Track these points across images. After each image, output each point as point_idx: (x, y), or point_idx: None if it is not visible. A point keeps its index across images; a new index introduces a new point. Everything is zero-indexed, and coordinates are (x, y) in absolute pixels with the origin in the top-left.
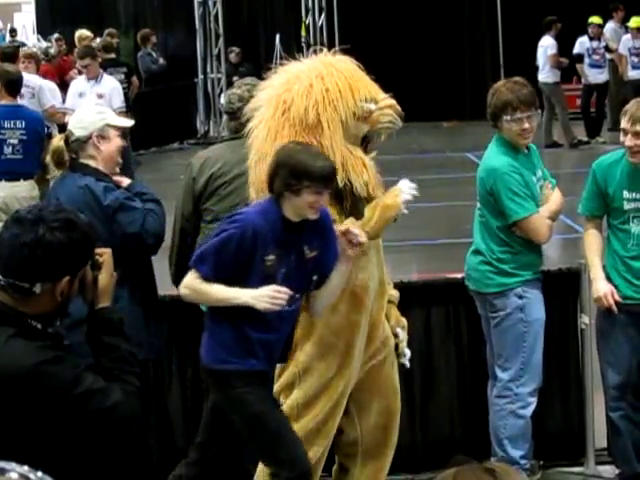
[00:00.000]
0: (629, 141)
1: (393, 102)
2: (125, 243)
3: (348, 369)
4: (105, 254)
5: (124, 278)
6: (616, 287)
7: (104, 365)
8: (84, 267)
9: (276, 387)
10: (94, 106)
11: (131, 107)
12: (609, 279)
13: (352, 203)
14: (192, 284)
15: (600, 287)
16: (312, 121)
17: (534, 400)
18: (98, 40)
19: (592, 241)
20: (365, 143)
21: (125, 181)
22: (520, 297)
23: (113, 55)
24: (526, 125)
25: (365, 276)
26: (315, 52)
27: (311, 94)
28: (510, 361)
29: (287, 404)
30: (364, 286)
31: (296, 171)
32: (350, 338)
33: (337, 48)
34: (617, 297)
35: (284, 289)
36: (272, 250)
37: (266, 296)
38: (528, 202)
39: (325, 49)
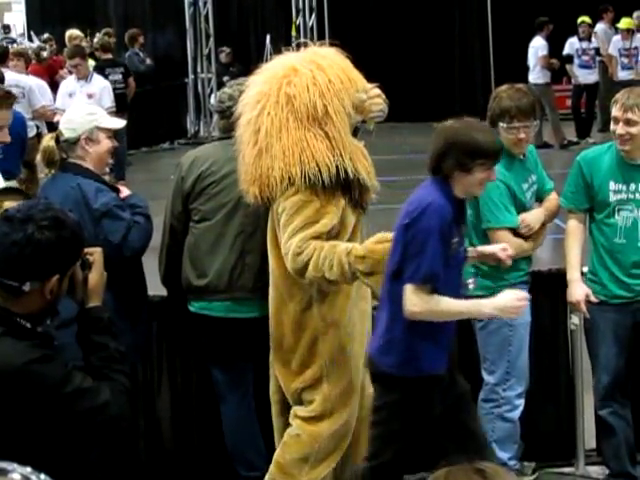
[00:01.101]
0: (620, 129)
1: (380, 91)
2: (103, 248)
3: (362, 358)
4: (95, 253)
5: (111, 279)
6: (604, 286)
7: (93, 364)
8: (73, 266)
9: (298, 384)
10: (86, 106)
11: (128, 107)
12: (596, 278)
13: (360, 193)
14: (421, 304)
15: (574, 291)
16: (320, 112)
17: (521, 403)
18: (96, 39)
19: (574, 239)
20: (354, 133)
21: (125, 192)
22: None
23: (110, 55)
24: (522, 135)
25: None
26: (299, 47)
27: (316, 85)
28: (496, 364)
29: (320, 398)
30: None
31: (469, 149)
32: (361, 327)
33: (324, 42)
34: (593, 298)
35: (522, 294)
36: (455, 232)
37: (511, 306)
38: (503, 214)
39: (311, 43)
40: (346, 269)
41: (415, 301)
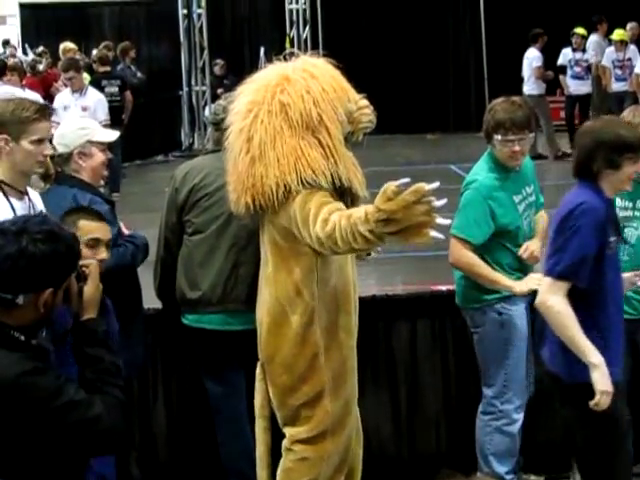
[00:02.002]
0: None
1: (367, 102)
2: None
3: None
4: (91, 265)
5: (106, 292)
6: None
7: (87, 377)
8: (68, 279)
9: (296, 400)
10: (78, 120)
11: (123, 120)
12: None
13: (351, 201)
14: (553, 299)
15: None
16: (314, 121)
17: (520, 417)
18: (94, 52)
19: None
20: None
21: (125, 231)
22: (499, 313)
23: (108, 68)
24: (517, 148)
25: (352, 274)
26: (289, 57)
27: (310, 94)
28: (493, 377)
29: (321, 414)
30: (354, 284)
31: (617, 145)
32: (353, 341)
33: (314, 52)
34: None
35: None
36: (611, 231)
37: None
38: (471, 229)
39: (300, 53)
40: (370, 237)
41: (547, 296)
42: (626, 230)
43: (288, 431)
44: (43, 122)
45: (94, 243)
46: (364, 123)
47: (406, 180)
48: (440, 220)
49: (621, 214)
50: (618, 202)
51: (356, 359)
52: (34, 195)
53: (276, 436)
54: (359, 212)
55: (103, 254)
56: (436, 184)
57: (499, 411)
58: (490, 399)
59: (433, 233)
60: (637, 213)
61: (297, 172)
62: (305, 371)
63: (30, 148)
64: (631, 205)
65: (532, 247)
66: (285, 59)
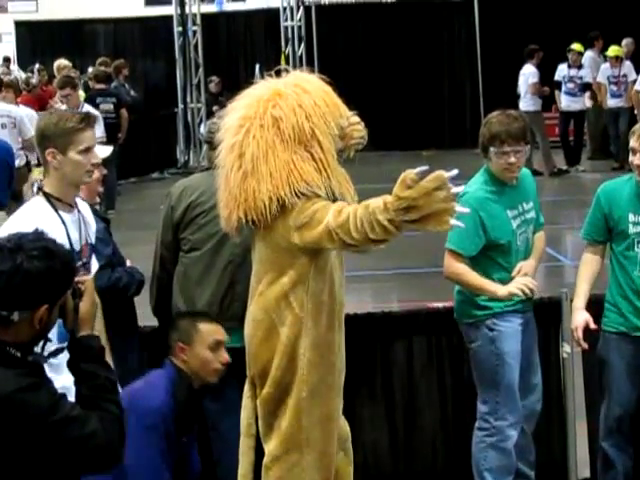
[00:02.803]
0: (637, 159)
1: (359, 118)
2: None
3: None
4: (87, 282)
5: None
6: (625, 318)
7: (83, 393)
8: (63, 295)
9: (276, 412)
10: None
11: (118, 138)
12: (615, 308)
13: None
14: None
15: (575, 318)
16: (307, 135)
17: (514, 433)
18: (90, 69)
19: (586, 269)
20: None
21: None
22: (491, 329)
23: (103, 85)
24: (512, 159)
25: (342, 292)
26: (279, 73)
27: (302, 108)
28: (486, 393)
29: (291, 428)
30: (342, 303)
31: None
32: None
33: (305, 68)
34: (592, 325)
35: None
36: None
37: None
38: (462, 241)
39: (291, 69)
40: (389, 227)
41: None
42: None
43: (266, 447)
44: (88, 131)
45: (217, 345)
46: (356, 139)
47: (424, 167)
48: (460, 208)
49: (635, 229)
50: (631, 218)
51: (341, 378)
52: (83, 207)
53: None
54: (377, 201)
55: (224, 355)
56: (455, 171)
57: (493, 427)
58: (484, 415)
59: (453, 221)
60: None
61: (290, 185)
62: (288, 383)
63: (79, 158)
64: None
65: (526, 268)
66: (277, 75)
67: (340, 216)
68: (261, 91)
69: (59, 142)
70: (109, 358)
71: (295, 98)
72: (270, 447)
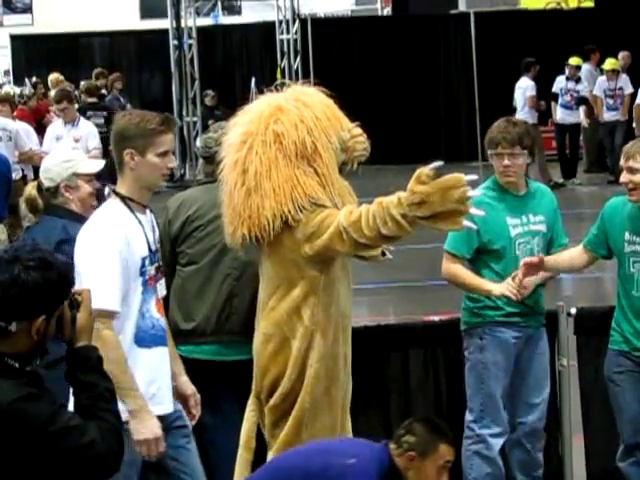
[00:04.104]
0: (623, 177)
1: (361, 130)
2: None
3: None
4: (84, 293)
5: None
6: (627, 339)
7: (82, 403)
8: (60, 306)
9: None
10: (62, 154)
11: (109, 151)
12: (619, 329)
13: None
14: None
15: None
16: (309, 149)
17: (498, 442)
18: (82, 83)
19: (562, 255)
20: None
21: None
22: (481, 338)
23: (95, 99)
24: (506, 162)
25: (348, 304)
26: (280, 87)
27: (303, 122)
28: (472, 401)
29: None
30: (348, 315)
31: None
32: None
33: (306, 80)
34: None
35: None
36: None
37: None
38: (456, 242)
39: (292, 83)
40: (402, 221)
41: None
42: (636, 265)
43: (269, 457)
44: (168, 134)
45: (443, 468)
46: (359, 151)
47: (439, 163)
48: (474, 210)
49: (630, 248)
50: (627, 236)
51: (347, 392)
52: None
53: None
54: (391, 197)
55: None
56: (474, 176)
57: (476, 435)
58: (469, 423)
59: (466, 222)
60: None
61: (293, 201)
62: (296, 396)
63: (156, 161)
64: (639, 239)
65: (520, 276)
66: (277, 89)
67: (352, 215)
68: (262, 106)
69: (139, 143)
70: None
71: (296, 113)
72: (269, 458)
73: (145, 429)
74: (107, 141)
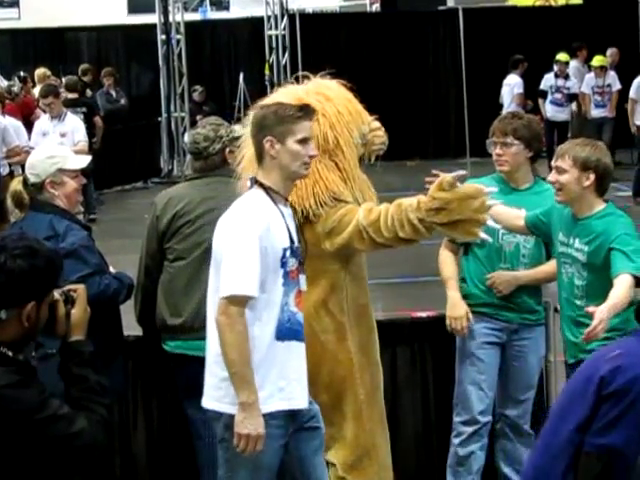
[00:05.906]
0: (550, 176)
1: (379, 124)
2: None
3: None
4: (79, 289)
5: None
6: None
7: (73, 395)
8: (50, 292)
9: (339, 421)
10: (47, 149)
11: (91, 145)
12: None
13: None
14: None
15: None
16: (331, 144)
17: (467, 430)
18: (64, 79)
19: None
20: None
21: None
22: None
23: (76, 95)
24: (498, 150)
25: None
26: (298, 79)
27: (325, 117)
28: (454, 388)
29: (358, 435)
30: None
31: None
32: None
33: (325, 72)
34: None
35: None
36: None
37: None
38: None
39: (312, 76)
40: (418, 226)
41: None
42: (564, 267)
43: (334, 459)
44: (307, 120)
45: None
46: (377, 145)
47: (462, 172)
48: (491, 222)
49: (561, 249)
50: (560, 237)
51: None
52: None
53: None
54: (410, 200)
55: None
56: (495, 189)
57: (453, 423)
58: (454, 411)
59: (483, 234)
60: (569, 250)
61: (315, 196)
62: (342, 390)
63: (297, 148)
64: (567, 241)
65: (503, 277)
66: (297, 81)
67: (371, 214)
68: (281, 99)
69: (277, 131)
70: None
71: (319, 107)
72: (340, 459)
73: (251, 425)
74: (89, 137)
